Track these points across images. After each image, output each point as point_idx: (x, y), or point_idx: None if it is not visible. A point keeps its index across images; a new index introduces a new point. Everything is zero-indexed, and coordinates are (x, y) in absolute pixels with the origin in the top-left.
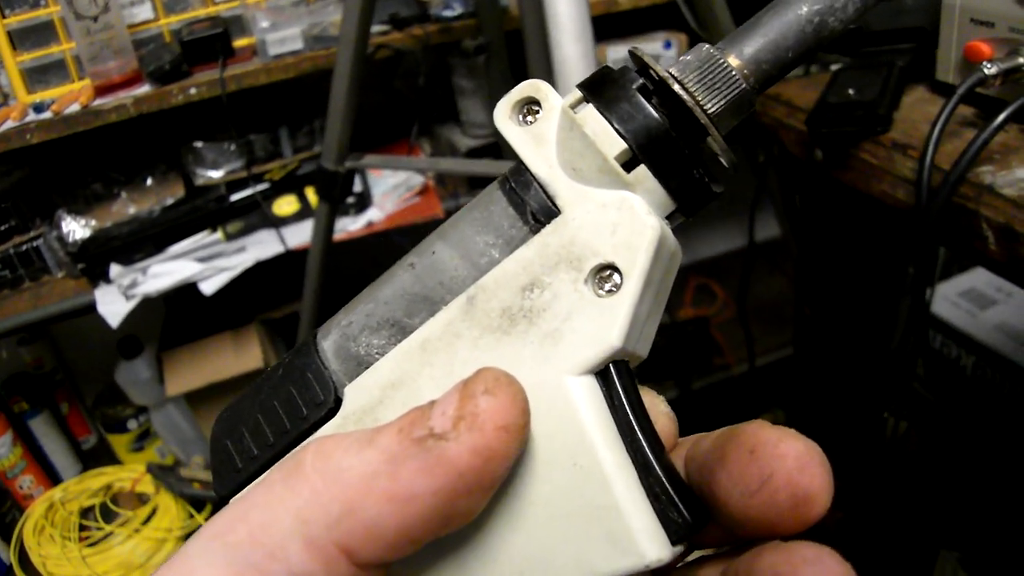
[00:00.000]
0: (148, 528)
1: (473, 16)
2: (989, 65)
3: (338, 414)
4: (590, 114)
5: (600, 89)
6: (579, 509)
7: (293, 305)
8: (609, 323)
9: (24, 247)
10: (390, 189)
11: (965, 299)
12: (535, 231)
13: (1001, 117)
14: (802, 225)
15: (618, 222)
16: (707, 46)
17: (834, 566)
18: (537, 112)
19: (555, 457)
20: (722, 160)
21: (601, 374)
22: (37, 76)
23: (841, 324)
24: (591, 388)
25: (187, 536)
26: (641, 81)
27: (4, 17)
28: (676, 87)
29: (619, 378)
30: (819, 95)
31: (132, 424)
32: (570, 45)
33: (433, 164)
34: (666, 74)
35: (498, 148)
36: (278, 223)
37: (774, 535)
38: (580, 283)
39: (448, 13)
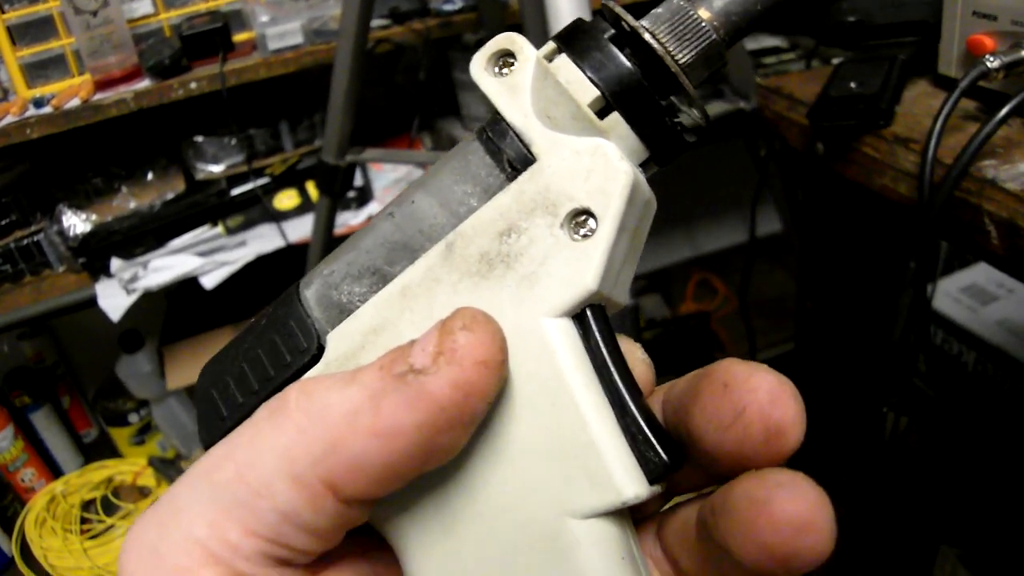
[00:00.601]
0: None
1: (474, 10)
2: (992, 58)
3: (321, 360)
4: (564, 63)
5: (573, 39)
6: (558, 448)
7: None
8: (584, 266)
9: (25, 241)
10: (391, 183)
11: (966, 295)
12: (512, 179)
13: (1004, 111)
14: (804, 219)
15: (592, 168)
16: None
17: (808, 489)
18: (512, 64)
19: (533, 398)
20: (693, 110)
21: (578, 318)
22: (37, 71)
23: (843, 318)
24: (568, 330)
25: None
26: (613, 32)
27: (3, 12)
28: (647, 36)
29: (595, 321)
30: (821, 88)
31: (133, 418)
32: None
33: (434, 158)
34: (637, 24)
35: None
36: (279, 217)
37: (749, 468)
38: (556, 228)
39: (448, 7)
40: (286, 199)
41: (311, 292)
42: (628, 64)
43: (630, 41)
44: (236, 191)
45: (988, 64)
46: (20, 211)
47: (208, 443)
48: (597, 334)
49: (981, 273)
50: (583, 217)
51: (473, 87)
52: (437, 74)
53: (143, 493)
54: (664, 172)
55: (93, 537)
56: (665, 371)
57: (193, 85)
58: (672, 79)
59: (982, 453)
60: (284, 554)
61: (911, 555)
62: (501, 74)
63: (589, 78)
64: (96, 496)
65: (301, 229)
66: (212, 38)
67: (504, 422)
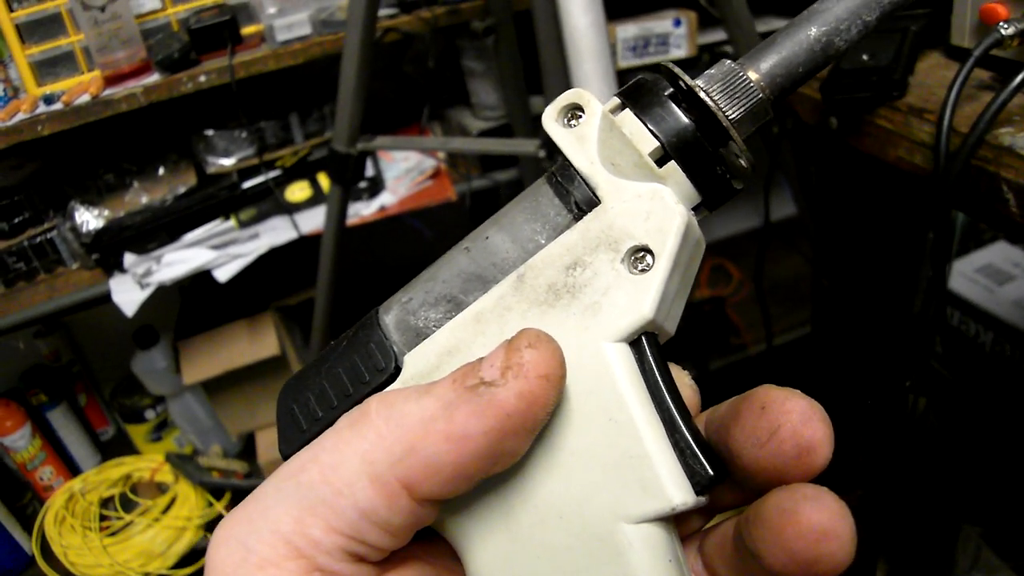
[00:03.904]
0: (168, 517)
1: None
2: (1005, 26)
3: (398, 379)
4: (627, 117)
5: (636, 96)
6: (613, 459)
7: (308, 291)
8: (642, 297)
9: (38, 239)
10: (402, 173)
11: (982, 275)
12: (578, 218)
13: (1020, 77)
14: (818, 196)
15: (651, 210)
16: (729, 61)
17: (831, 502)
18: (580, 116)
19: (592, 413)
20: (741, 161)
21: (634, 344)
22: (47, 68)
23: (860, 294)
24: (625, 354)
25: (207, 524)
26: (672, 90)
27: (12, 11)
28: (702, 95)
29: (649, 348)
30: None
31: (150, 414)
32: (580, 16)
33: (444, 143)
34: (693, 83)
35: (509, 130)
36: (291, 209)
37: (782, 483)
38: (617, 262)
39: None
40: (298, 191)
41: (390, 317)
42: (685, 119)
43: (687, 98)
44: (247, 184)
45: (1002, 31)
46: (33, 209)
47: (287, 453)
48: (651, 358)
49: (997, 253)
50: (642, 253)
51: (482, 75)
52: (446, 63)
53: (161, 489)
54: None
55: (112, 534)
56: (680, 356)
57: (202, 79)
58: (723, 132)
59: (1002, 433)
60: (361, 550)
61: (934, 534)
62: (570, 125)
63: (650, 130)
64: (114, 493)
65: (313, 220)
66: (220, 31)
67: (564, 434)
